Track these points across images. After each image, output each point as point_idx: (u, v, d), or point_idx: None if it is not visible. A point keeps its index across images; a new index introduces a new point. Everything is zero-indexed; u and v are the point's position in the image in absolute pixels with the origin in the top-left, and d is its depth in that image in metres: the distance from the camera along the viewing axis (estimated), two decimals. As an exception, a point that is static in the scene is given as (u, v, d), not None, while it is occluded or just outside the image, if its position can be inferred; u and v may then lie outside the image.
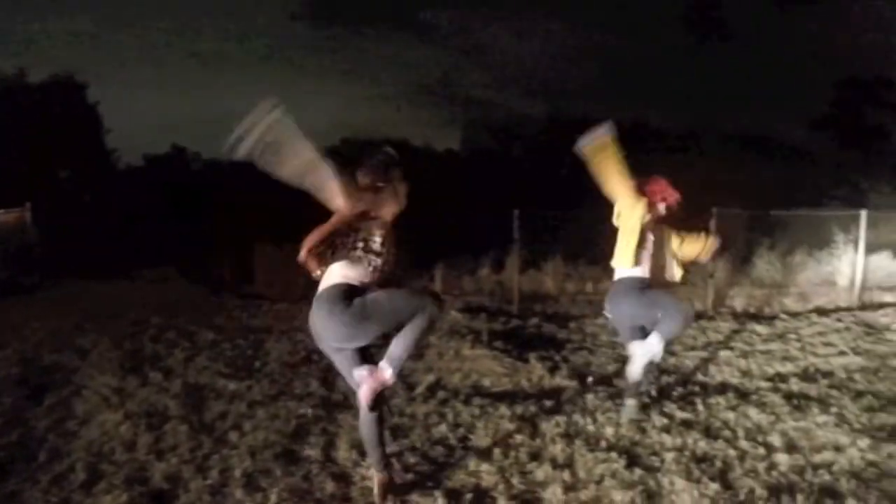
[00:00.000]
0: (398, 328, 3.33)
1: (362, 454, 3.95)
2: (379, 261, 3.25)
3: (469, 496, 3.46)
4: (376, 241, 3.25)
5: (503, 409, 4.64)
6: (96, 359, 6.67)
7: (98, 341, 7.43)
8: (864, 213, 9.37)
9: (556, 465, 3.74)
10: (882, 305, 8.70)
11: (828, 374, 5.47)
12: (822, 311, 8.22)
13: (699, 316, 7.96)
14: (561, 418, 4.45)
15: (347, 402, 5.06)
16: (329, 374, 5.79)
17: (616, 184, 4.32)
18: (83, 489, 3.84)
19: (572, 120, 35.47)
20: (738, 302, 8.84)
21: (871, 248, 9.78)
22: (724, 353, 6.16)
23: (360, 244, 3.23)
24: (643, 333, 4.42)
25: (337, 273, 3.23)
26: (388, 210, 3.33)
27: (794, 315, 7.95)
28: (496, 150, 35.21)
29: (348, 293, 3.15)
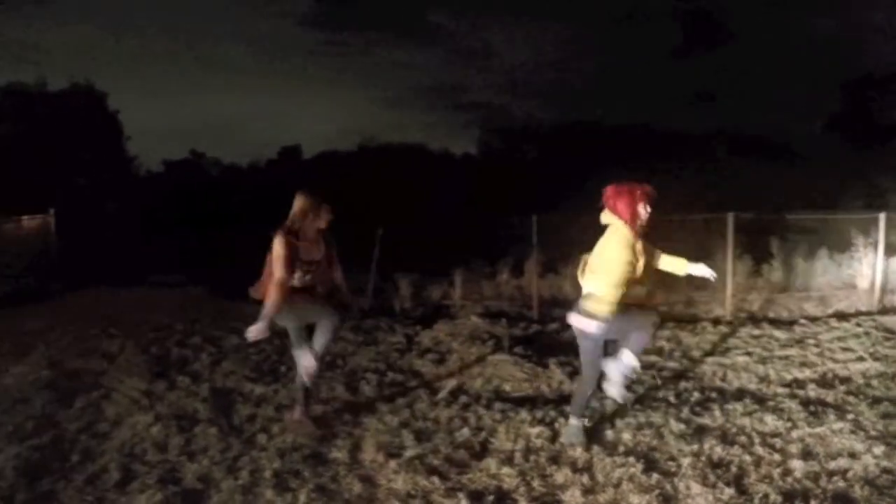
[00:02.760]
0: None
1: (389, 456, 4.08)
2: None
3: (491, 498, 3.57)
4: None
5: (524, 414, 4.74)
6: (123, 363, 6.82)
7: (124, 346, 7.57)
8: (882, 216, 9.32)
9: (575, 468, 3.84)
10: (902, 309, 8.66)
11: (845, 380, 5.50)
12: (841, 316, 8.20)
13: (717, 321, 7.99)
14: (580, 423, 4.53)
15: (372, 406, 5.19)
16: (353, 379, 5.92)
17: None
18: (117, 488, 3.97)
19: (583, 122, 35.56)
20: (757, 306, 8.84)
21: (892, 251, 9.73)
22: (741, 359, 6.19)
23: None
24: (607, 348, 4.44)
25: None
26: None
27: (814, 320, 7.95)
28: (511, 153, 35.23)
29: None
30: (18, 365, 7.03)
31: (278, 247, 4.35)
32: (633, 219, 4.14)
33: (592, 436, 4.30)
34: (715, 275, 4.41)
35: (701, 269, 4.40)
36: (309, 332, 4.71)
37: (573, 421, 4.31)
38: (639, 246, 4.15)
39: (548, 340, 7.17)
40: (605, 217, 4.26)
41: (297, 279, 4.45)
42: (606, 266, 4.13)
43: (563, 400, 5.05)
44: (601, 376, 4.41)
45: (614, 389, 4.54)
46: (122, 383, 6.10)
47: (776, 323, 7.84)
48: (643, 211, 4.15)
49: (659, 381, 5.54)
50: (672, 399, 5.03)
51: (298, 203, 4.51)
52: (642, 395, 5.16)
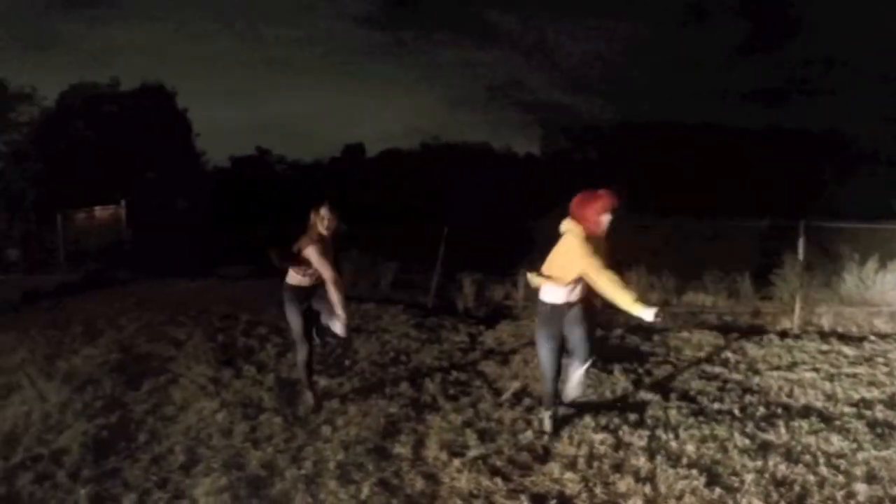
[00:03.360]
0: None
1: (452, 455, 4.11)
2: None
3: (553, 502, 3.62)
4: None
5: (588, 419, 4.75)
6: (191, 350, 7.05)
7: (192, 333, 7.82)
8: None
9: (638, 478, 3.84)
10: (979, 329, 8.27)
11: (915, 403, 5.32)
12: (913, 334, 7.89)
13: (784, 334, 7.78)
14: (644, 431, 4.53)
15: (436, 403, 5.26)
16: (417, 376, 5.97)
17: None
18: (182, 470, 4.11)
19: (645, 122, 34.94)
20: (826, 320, 8.59)
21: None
22: (808, 375, 6.06)
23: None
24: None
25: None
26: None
27: (884, 337, 7.73)
28: (574, 153, 34.92)
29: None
30: (89, 347, 7.32)
31: (315, 254, 4.90)
32: (594, 227, 4.33)
33: (656, 447, 4.27)
34: (660, 318, 4.17)
35: (646, 314, 4.08)
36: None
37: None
38: (597, 251, 4.30)
39: (611, 346, 7.11)
40: (565, 224, 4.43)
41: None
42: (562, 272, 4.37)
43: (627, 407, 5.06)
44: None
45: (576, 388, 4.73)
46: (190, 369, 6.29)
47: (845, 338, 7.64)
48: (605, 220, 4.33)
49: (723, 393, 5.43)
50: (737, 412, 4.97)
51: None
52: (707, 406, 5.05)
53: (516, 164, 34.00)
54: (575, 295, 4.46)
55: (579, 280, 4.38)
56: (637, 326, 7.65)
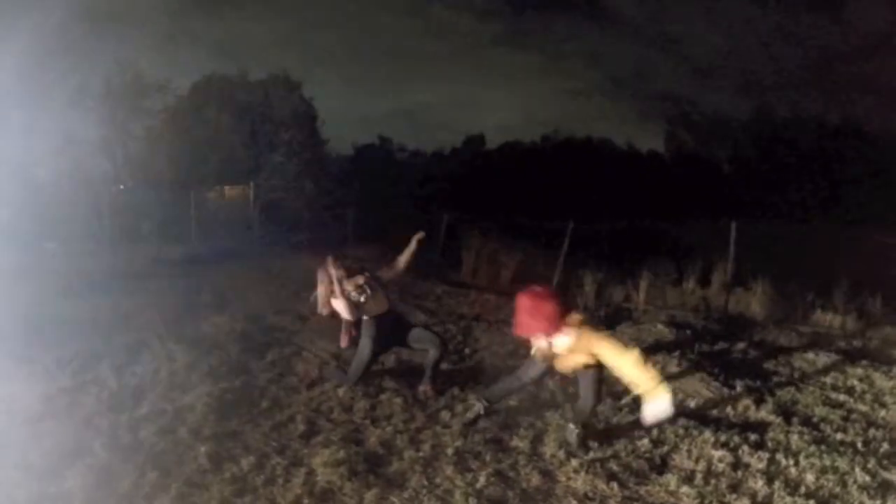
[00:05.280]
0: None
1: (569, 454, 4.16)
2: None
3: (668, 515, 3.51)
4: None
5: (707, 434, 4.69)
6: (315, 325, 7.32)
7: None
8: None
9: (754, 501, 3.79)
10: None
11: None
12: None
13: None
14: (764, 454, 4.42)
15: (555, 400, 5.33)
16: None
17: None
18: (302, 439, 4.34)
19: (781, 118, 33.10)
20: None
21: None
22: (941, 411, 5.62)
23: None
24: None
25: None
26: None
27: None
28: (700, 152, 33.73)
29: None
30: (217, 316, 7.77)
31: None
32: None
33: (775, 471, 4.16)
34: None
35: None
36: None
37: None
38: None
39: (734, 360, 6.89)
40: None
41: None
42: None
43: (748, 426, 4.94)
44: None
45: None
46: (314, 344, 6.58)
47: None
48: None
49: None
50: (860, 446, 4.79)
51: None
52: (829, 435, 4.82)
53: (639, 162, 33.21)
54: None
55: None
56: (761, 342, 7.36)
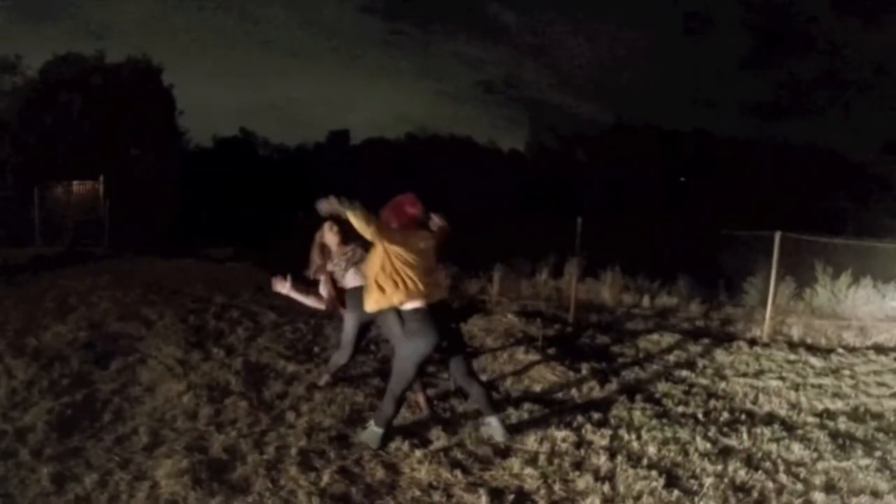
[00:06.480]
0: None
1: (413, 447, 4.10)
2: None
3: (511, 497, 3.59)
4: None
5: (551, 416, 4.74)
6: (161, 330, 6.99)
7: (163, 314, 7.74)
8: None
9: (597, 476, 3.83)
10: (946, 348, 8.41)
11: (877, 416, 5.39)
12: (880, 349, 8.03)
13: (753, 342, 7.86)
14: (606, 431, 4.53)
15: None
16: (386, 366, 5.95)
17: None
18: (145, 451, 4.07)
19: (638, 126, 35.07)
20: (796, 331, 8.69)
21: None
22: (774, 383, 6.11)
23: None
24: None
25: None
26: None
27: (852, 350, 7.81)
28: (561, 153, 35.04)
29: None
30: (59, 324, 7.22)
31: None
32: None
33: (617, 446, 4.28)
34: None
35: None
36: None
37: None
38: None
39: (582, 345, 7.13)
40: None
41: None
42: None
43: (592, 406, 5.05)
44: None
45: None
46: (159, 350, 6.24)
47: (813, 349, 7.72)
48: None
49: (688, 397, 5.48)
50: (701, 416, 4.99)
51: None
52: (671, 409, 5.09)
53: (500, 160, 34.05)
54: None
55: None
56: (608, 326, 7.70)
